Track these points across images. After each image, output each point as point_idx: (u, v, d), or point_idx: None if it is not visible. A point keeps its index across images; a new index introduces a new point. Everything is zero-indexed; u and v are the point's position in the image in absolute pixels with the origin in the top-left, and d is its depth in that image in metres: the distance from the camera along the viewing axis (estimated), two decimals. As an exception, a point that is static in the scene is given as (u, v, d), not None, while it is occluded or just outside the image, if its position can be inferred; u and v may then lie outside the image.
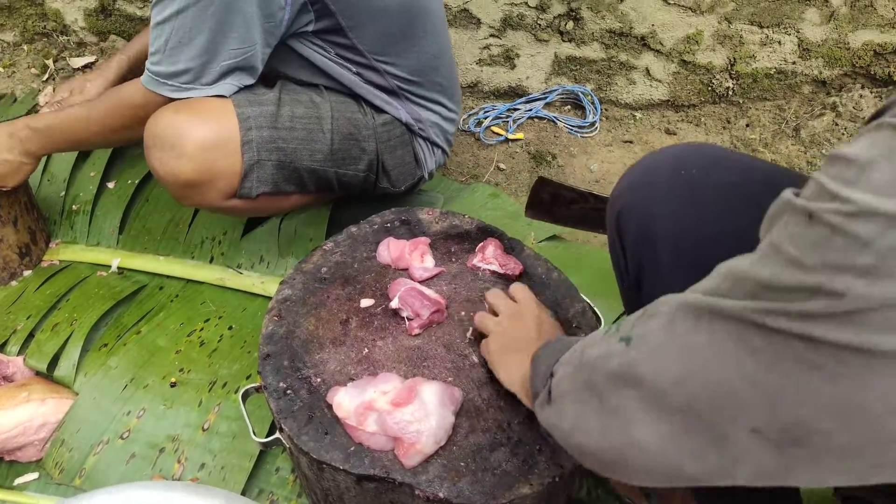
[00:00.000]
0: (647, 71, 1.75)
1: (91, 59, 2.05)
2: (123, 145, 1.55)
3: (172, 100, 1.12)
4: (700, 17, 1.65)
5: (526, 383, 0.79)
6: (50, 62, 2.06)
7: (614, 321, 0.60)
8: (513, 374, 0.84)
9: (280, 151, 1.15)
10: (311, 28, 1.12)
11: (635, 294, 0.80)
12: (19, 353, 1.26)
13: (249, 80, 1.15)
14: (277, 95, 1.16)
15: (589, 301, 1.03)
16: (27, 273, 1.44)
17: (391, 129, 1.26)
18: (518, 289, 0.95)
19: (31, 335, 1.29)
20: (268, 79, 1.21)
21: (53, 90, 1.91)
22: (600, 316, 1.03)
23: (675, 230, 0.73)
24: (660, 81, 1.76)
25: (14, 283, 1.43)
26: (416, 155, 1.32)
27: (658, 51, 1.72)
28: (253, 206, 1.20)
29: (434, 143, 1.35)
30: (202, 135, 1.08)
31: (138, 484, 0.80)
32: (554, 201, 1.03)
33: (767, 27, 1.66)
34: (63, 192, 1.57)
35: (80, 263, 1.46)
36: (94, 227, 1.52)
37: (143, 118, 1.14)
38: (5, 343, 1.28)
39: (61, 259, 1.48)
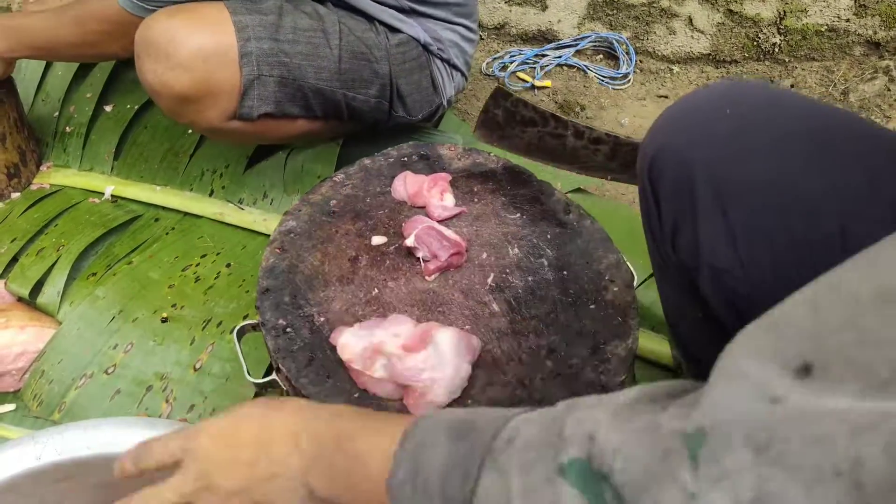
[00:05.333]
0: (690, 20, 1.63)
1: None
2: (94, 61, 1.46)
3: None
4: (752, -37, 1.52)
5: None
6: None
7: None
8: None
9: (282, 66, 1.04)
10: None
11: (670, 255, 0.68)
12: (1, 278, 1.18)
13: None
14: (279, 4, 1.05)
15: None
16: (15, 195, 1.36)
17: (407, 49, 1.15)
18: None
19: (14, 259, 1.21)
20: None
21: None
22: (634, 273, 0.93)
23: (717, 177, 0.61)
24: (702, 32, 1.64)
25: (0, 204, 1.34)
26: (433, 79, 1.21)
27: (704, -3, 1.60)
28: (254, 129, 1.10)
29: (453, 66, 1.24)
30: (199, 42, 0.98)
31: (116, 420, 0.72)
32: (508, 120, 0.89)
33: (824, -22, 1.54)
34: (57, 113, 1.47)
35: (72, 189, 1.37)
36: (88, 152, 1.42)
37: (114, 35, 1.07)
38: (-13, 266, 1.20)
39: (52, 183, 1.39)
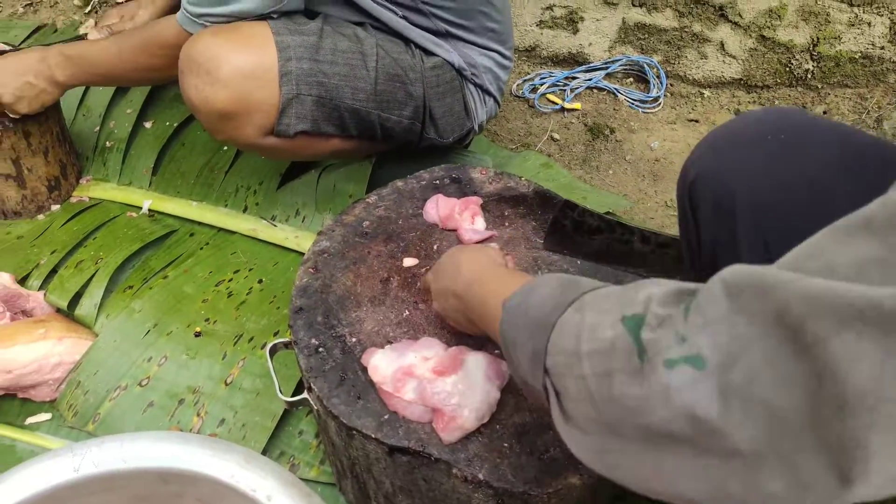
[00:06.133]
0: (722, 45, 1.63)
1: (136, -5, 1.98)
2: (156, 84, 1.49)
3: None
4: (786, -10, 1.52)
5: (489, 327, 0.68)
6: (94, -4, 1.99)
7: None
8: (468, 313, 0.75)
9: (320, 86, 1.07)
10: None
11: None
12: (40, 289, 1.21)
13: (295, 5, 1.08)
14: (320, 26, 1.08)
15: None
16: (55, 208, 1.39)
17: (441, 73, 1.17)
18: None
19: (53, 271, 1.24)
20: (309, 13, 1.13)
21: (95, 24, 1.85)
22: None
23: (758, 209, 0.64)
24: (734, 57, 1.64)
25: (41, 216, 1.38)
26: (465, 104, 1.23)
27: (736, 23, 1.59)
28: (291, 145, 1.12)
29: (486, 91, 1.25)
30: (239, 61, 1.01)
31: (152, 434, 0.74)
32: (577, 230, 0.94)
33: (858, 6, 1.53)
34: (98, 128, 1.51)
35: (111, 202, 1.41)
36: (127, 166, 1.46)
37: (176, 57, 1.08)
38: (27, 277, 1.23)
39: (91, 196, 1.42)
